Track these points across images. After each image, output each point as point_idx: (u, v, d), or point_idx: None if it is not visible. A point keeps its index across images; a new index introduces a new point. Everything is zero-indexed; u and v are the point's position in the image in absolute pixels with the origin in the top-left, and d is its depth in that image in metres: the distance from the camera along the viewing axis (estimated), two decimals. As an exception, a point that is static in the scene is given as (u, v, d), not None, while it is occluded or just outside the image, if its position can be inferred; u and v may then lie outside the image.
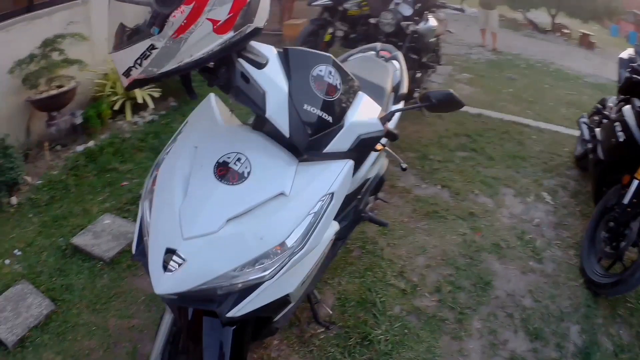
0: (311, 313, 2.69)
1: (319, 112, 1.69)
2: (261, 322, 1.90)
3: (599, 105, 4.82)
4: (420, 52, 5.40)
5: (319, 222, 1.64)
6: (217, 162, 1.63)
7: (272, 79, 1.65)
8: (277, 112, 1.65)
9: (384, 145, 2.07)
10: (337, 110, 1.75)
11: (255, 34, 1.56)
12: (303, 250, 1.61)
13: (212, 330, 1.70)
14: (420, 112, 5.54)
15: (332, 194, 1.69)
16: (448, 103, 2.08)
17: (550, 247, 3.61)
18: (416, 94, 5.52)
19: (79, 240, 3.22)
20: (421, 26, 5.09)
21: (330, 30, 6.80)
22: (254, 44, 1.65)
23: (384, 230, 3.51)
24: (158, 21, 1.38)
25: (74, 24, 4.55)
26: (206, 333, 1.70)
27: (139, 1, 1.39)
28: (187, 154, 1.72)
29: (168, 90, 5.29)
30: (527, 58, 10.01)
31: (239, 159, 1.63)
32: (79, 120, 4.65)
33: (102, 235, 3.25)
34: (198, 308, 1.68)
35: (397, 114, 2.92)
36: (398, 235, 3.52)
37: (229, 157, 1.63)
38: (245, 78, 1.62)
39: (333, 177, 1.70)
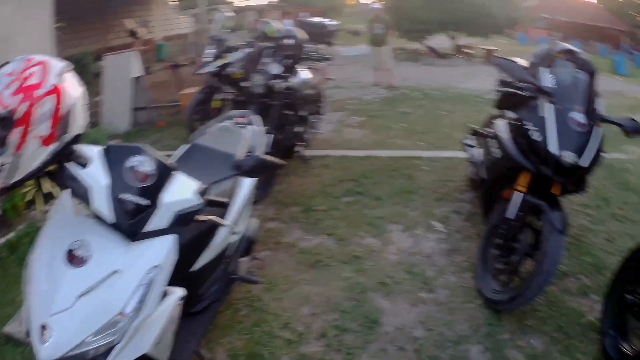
0: None
1: (134, 199, 2.03)
2: None
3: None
4: (296, 107, 5.58)
5: (150, 291, 2.01)
6: (65, 250, 1.98)
7: (93, 175, 2.02)
8: (101, 203, 2.01)
9: (208, 216, 2.35)
10: (151, 193, 2.09)
11: (76, 140, 1.99)
12: (141, 315, 1.98)
13: None
14: (306, 165, 5.74)
15: (158, 266, 2.05)
16: (261, 168, 2.42)
17: (443, 274, 3.74)
18: (297, 149, 5.78)
19: (10, 328, 3.49)
20: (292, 81, 5.26)
21: (219, 96, 7.07)
22: (80, 146, 2.05)
23: (269, 286, 3.63)
24: (0, 143, 1.75)
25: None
26: None
27: None
28: (46, 246, 2.09)
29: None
30: (423, 88, 10.40)
31: (81, 246, 1.99)
32: (-4, 213, 4.89)
33: (29, 322, 3.52)
34: None
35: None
36: (282, 289, 3.62)
37: (74, 245, 2.00)
38: (74, 178, 1.99)
39: (157, 252, 2.09)
